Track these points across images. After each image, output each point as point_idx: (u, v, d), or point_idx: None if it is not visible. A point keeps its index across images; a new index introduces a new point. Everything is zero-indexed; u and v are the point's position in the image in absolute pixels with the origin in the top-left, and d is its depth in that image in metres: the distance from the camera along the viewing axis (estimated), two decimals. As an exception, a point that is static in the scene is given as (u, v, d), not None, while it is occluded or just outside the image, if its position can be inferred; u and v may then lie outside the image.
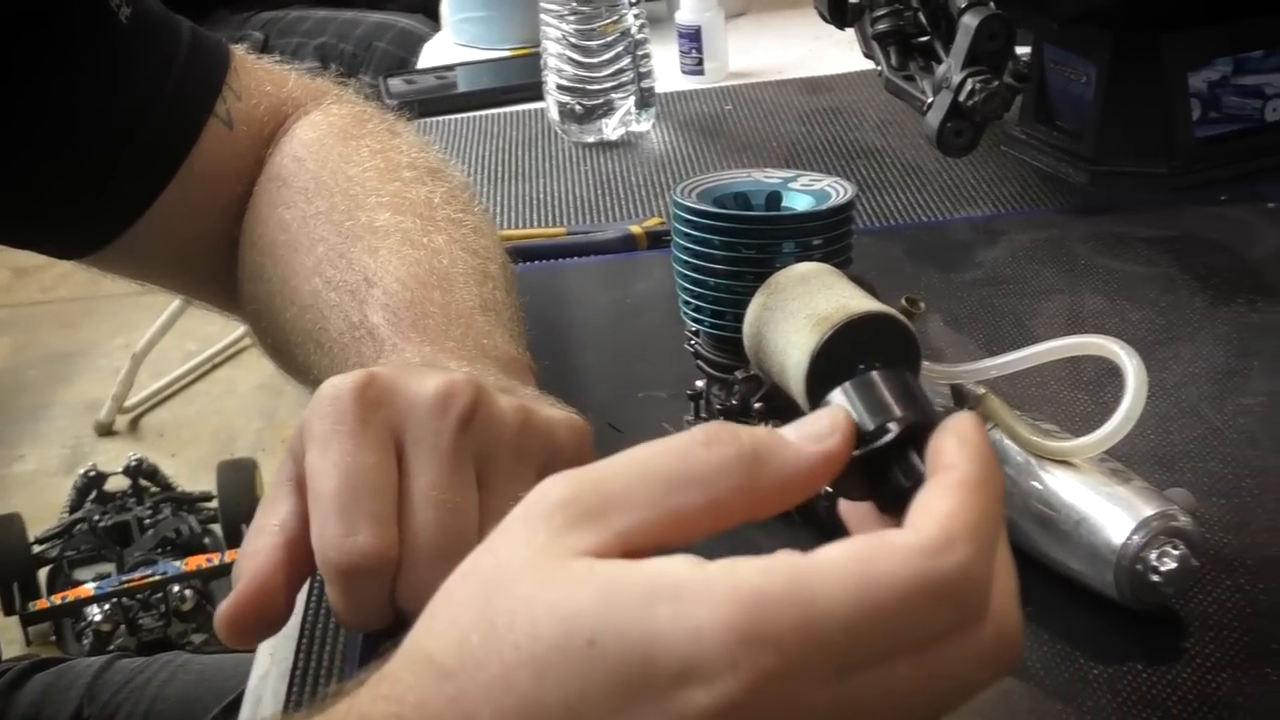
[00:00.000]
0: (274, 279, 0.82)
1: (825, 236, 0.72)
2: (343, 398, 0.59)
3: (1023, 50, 1.09)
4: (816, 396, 0.65)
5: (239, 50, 0.93)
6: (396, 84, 1.57)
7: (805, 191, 0.75)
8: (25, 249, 0.90)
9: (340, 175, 0.84)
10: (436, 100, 1.49)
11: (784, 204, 0.75)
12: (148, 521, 2.41)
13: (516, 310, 0.79)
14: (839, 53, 1.24)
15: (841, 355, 0.65)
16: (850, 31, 1.15)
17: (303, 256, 0.80)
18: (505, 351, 0.71)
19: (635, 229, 1.09)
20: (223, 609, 0.59)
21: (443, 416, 0.59)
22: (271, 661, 0.68)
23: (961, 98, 0.97)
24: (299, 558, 0.59)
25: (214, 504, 2.47)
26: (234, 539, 2.37)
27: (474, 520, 0.59)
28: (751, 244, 0.72)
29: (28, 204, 0.85)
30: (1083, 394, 0.81)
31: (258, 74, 0.92)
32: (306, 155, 0.86)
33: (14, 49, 0.79)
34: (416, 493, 0.58)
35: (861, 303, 0.66)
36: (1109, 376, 0.64)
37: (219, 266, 0.89)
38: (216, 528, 2.46)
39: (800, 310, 0.66)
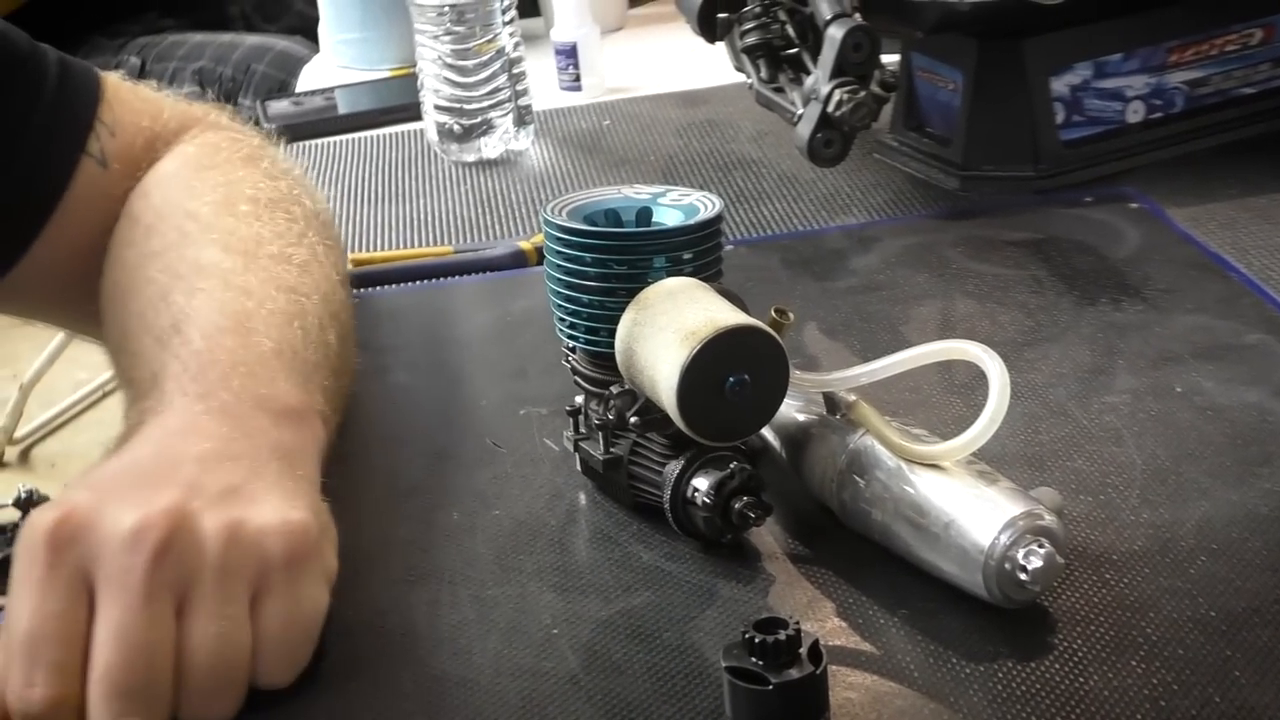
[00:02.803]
0: (112, 324, 0.82)
1: (695, 251, 0.73)
2: (35, 538, 0.60)
3: (892, 59, 1.11)
4: (687, 411, 0.66)
5: (113, 78, 0.92)
6: (276, 107, 1.56)
7: (675, 206, 0.76)
8: None
9: (180, 210, 0.83)
10: (316, 123, 1.49)
11: (654, 219, 0.76)
12: (40, 555, 2.37)
13: (331, 348, 0.79)
14: (715, 65, 1.25)
15: (710, 368, 0.66)
16: (723, 45, 1.16)
17: (132, 300, 0.80)
18: (286, 401, 0.71)
19: (524, 245, 1.10)
20: None
21: (133, 552, 0.60)
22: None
23: (830, 108, 0.98)
24: None
25: (107, 534, 2.44)
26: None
27: (167, 651, 0.60)
28: (622, 260, 0.73)
29: None
30: (956, 397, 0.82)
31: (133, 105, 0.91)
32: (153, 189, 0.86)
33: None
34: (101, 633, 0.59)
35: (728, 316, 0.67)
36: (980, 379, 0.66)
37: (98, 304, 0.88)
38: (110, 558, 2.42)
39: (669, 325, 0.67)
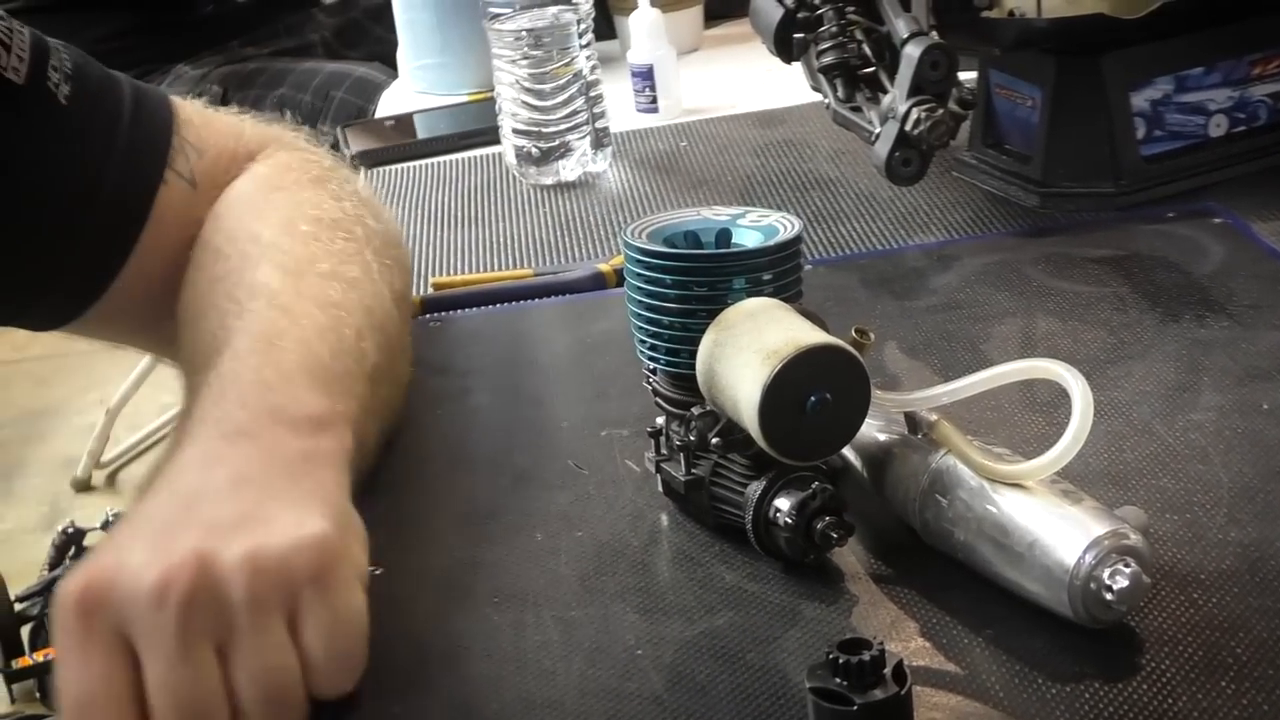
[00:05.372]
0: (181, 348, 0.83)
1: (775, 271, 0.73)
2: (65, 607, 0.61)
3: (969, 75, 1.10)
4: (769, 431, 0.66)
5: (195, 104, 0.94)
6: (356, 133, 1.58)
7: (754, 228, 0.76)
8: (2, 325, 0.91)
9: (246, 233, 0.85)
10: (396, 148, 1.50)
11: (733, 241, 0.76)
12: (127, 577, 2.41)
13: (367, 357, 0.80)
14: (791, 85, 1.25)
15: (792, 388, 0.66)
16: (799, 64, 1.16)
17: (198, 326, 0.81)
18: (305, 409, 0.72)
19: (604, 267, 1.10)
20: None
21: (162, 607, 0.60)
22: None
23: (907, 127, 0.98)
24: None
25: (193, 556, 2.47)
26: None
27: (218, 695, 0.61)
28: (703, 282, 0.73)
29: None
30: (1038, 416, 0.82)
31: (218, 127, 0.93)
32: (225, 212, 0.88)
33: None
34: (152, 689, 0.60)
35: (809, 336, 0.67)
36: (1062, 397, 0.65)
37: None
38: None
39: (750, 345, 0.68)
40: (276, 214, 0.86)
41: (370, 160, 1.46)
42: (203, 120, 0.92)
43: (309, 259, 0.83)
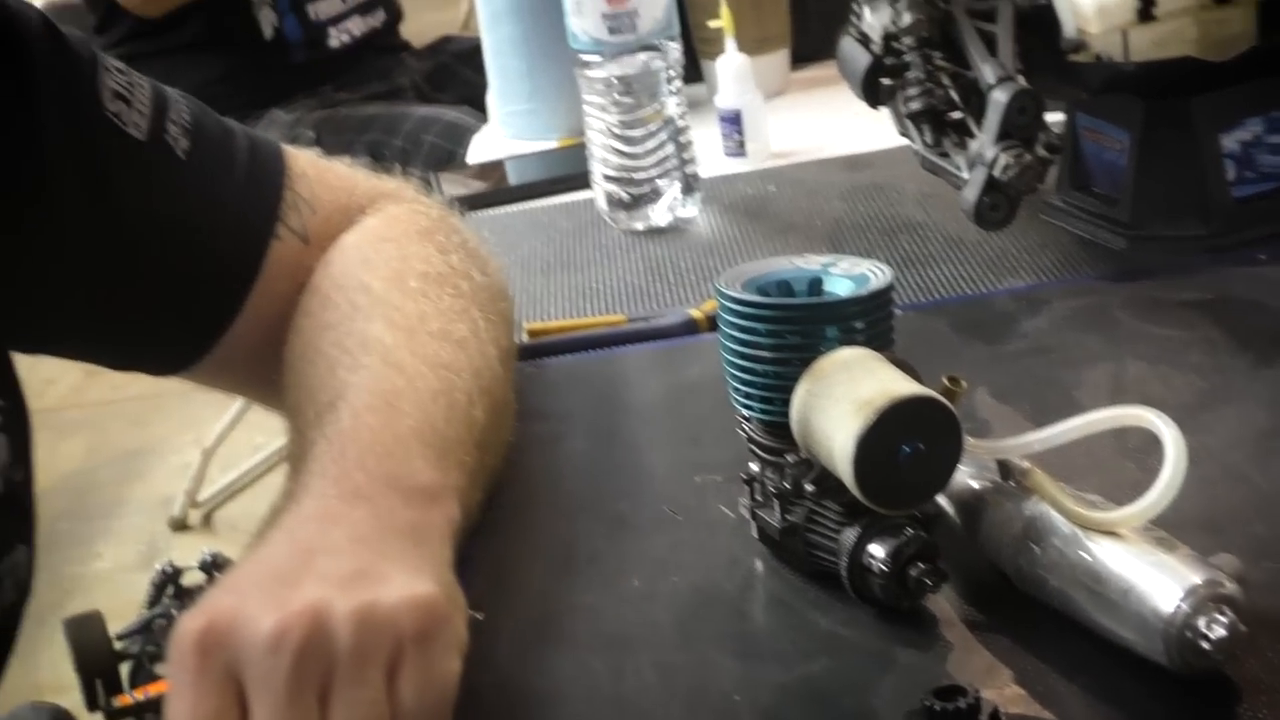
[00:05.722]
0: (287, 393, 0.85)
1: (867, 320, 0.74)
2: (185, 644, 0.63)
3: (1056, 118, 1.11)
4: (864, 480, 0.68)
5: (310, 155, 0.96)
6: (448, 178, 1.60)
7: (845, 276, 0.77)
8: (121, 370, 0.95)
9: (355, 283, 0.87)
10: (488, 194, 1.52)
11: (825, 289, 0.77)
12: (224, 615, 2.43)
13: (477, 423, 0.81)
14: (878, 128, 1.26)
15: (886, 438, 0.67)
16: (886, 109, 1.17)
17: (305, 371, 0.83)
18: (419, 480, 0.74)
19: (695, 313, 1.12)
20: None
21: (276, 655, 0.62)
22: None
23: (996, 172, 0.99)
24: None
25: (287, 594, 2.50)
26: (308, 629, 2.39)
27: None
28: (795, 330, 0.74)
29: (112, 334, 0.90)
30: (1130, 462, 0.82)
31: (331, 183, 0.95)
32: (335, 260, 0.90)
33: (82, 194, 0.84)
34: None
35: (903, 386, 0.68)
36: (1155, 443, 0.66)
37: None
38: (291, 618, 2.48)
39: (844, 396, 0.69)
40: (386, 266, 0.88)
41: (462, 205, 1.48)
42: (317, 174, 0.94)
43: (419, 316, 0.85)
